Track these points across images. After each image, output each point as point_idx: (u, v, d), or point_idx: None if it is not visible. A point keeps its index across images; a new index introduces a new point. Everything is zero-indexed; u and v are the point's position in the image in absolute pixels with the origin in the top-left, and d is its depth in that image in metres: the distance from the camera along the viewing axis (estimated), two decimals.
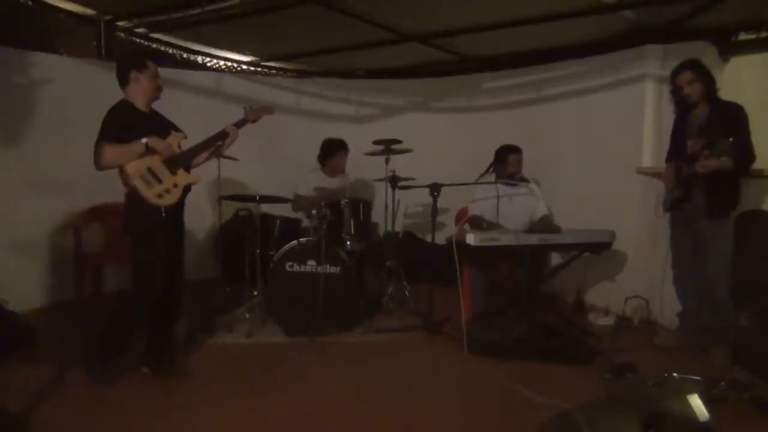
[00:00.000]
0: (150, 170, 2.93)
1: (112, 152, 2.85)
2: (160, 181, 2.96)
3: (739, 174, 3.32)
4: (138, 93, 3.03)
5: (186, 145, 3.20)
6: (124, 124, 2.91)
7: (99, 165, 2.87)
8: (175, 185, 3.02)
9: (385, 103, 6.28)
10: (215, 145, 3.31)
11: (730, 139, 3.07)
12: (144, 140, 2.89)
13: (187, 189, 3.10)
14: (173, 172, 3.02)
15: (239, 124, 3.39)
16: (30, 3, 4.51)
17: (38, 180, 4.46)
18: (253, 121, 3.47)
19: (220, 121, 5.73)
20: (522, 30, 4.51)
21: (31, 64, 4.46)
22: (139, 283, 3.03)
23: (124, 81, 3.02)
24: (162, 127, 3.11)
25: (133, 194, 2.92)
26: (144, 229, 2.98)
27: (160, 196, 2.94)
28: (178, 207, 3.09)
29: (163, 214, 2.95)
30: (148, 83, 3.04)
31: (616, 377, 3.08)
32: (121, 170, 2.91)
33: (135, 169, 2.89)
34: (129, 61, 3.07)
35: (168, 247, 3.04)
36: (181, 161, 3.08)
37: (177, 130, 3.18)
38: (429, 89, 6.15)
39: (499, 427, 2.69)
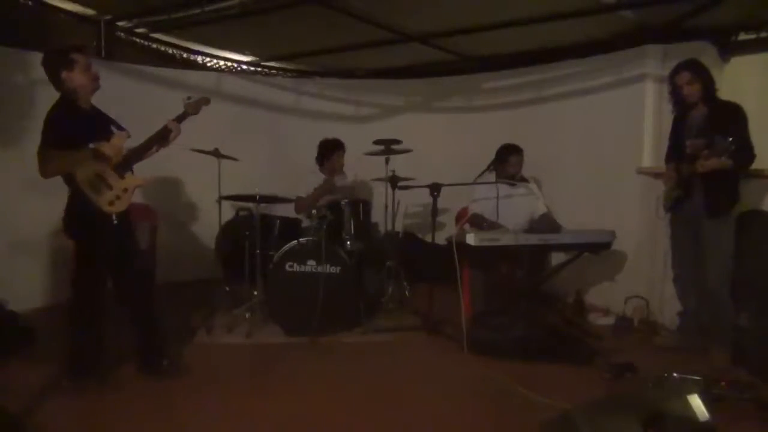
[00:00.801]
0: (99, 176, 2.83)
1: (58, 160, 2.75)
2: (110, 187, 2.86)
3: (739, 173, 3.32)
4: (76, 91, 2.90)
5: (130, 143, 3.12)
6: (68, 126, 2.80)
7: (44, 173, 2.76)
8: (125, 190, 2.93)
9: (385, 103, 6.27)
10: (159, 142, 3.18)
11: (730, 139, 3.07)
12: (92, 145, 2.80)
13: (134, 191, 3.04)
14: (122, 176, 2.94)
15: (181, 119, 3.24)
16: (30, 3, 4.51)
17: (38, 180, 4.42)
18: (194, 114, 3.36)
19: (220, 121, 5.75)
20: (522, 30, 4.52)
21: (31, 64, 4.45)
22: (83, 288, 2.95)
23: (57, 83, 2.88)
24: (105, 125, 3.02)
25: (79, 196, 2.82)
26: (92, 236, 2.89)
27: (111, 203, 2.86)
28: (126, 210, 3.01)
29: (115, 222, 2.90)
30: (82, 78, 2.89)
31: (616, 377, 3.09)
32: (68, 174, 2.82)
33: (84, 176, 2.78)
34: (55, 63, 2.87)
35: (117, 252, 3.00)
36: (129, 164, 3.01)
37: (119, 127, 3.07)
38: (429, 89, 6.15)
39: (499, 427, 2.69)
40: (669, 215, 3.70)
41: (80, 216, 2.87)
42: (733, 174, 3.30)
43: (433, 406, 2.90)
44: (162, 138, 3.16)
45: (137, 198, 5.14)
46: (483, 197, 4.32)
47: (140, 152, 3.09)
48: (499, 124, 5.49)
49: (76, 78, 2.88)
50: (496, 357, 3.43)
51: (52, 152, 2.75)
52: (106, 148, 2.87)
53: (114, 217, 2.88)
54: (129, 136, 3.06)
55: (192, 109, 3.33)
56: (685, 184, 3.46)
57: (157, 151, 3.25)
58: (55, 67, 2.87)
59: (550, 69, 5.18)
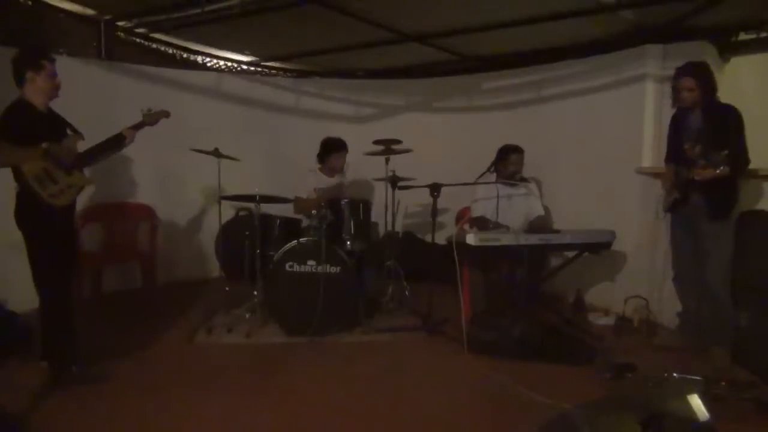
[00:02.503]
0: (45, 171, 2.93)
1: (9, 153, 2.85)
2: (55, 182, 2.96)
3: (736, 178, 3.32)
4: (35, 93, 3.00)
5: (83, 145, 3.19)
6: (23, 124, 2.90)
7: None
8: (70, 186, 3.03)
9: (385, 103, 6.28)
10: (112, 147, 3.27)
11: (726, 153, 3.09)
12: (44, 145, 2.90)
13: (80, 190, 3.13)
14: (69, 174, 3.04)
15: (137, 127, 3.35)
16: (30, 3, 4.52)
17: None
18: (151, 125, 3.43)
19: (220, 121, 5.76)
20: (522, 30, 4.51)
21: None
22: (40, 282, 3.04)
23: (20, 81, 2.99)
24: (59, 127, 3.11)
25: (25, 192, 2.91)
26: (37, 228, 2.99)
27: (53, 196, 2.94)
28: (71, 207, 3.12)
29: (57, 217, 2.98)
30: (44, 83, 3.01)
31: (616, 377, 3.08)
32: (16, 169, 2.91)
33: (31, 169, 2.88)
34: (24, 61, 3.00)
35: (60, 246, 3.06)
36: (79, 165, 3.11)
37: (74, 130, 3.17)
38: (429, 89, 6.15)
39: (499, 427, 2.69)
40: (669, 215, 3.70)
41: (27, 209, 2.96)
42: (732, 179, 3.31)
43: (433, 406, 2.90)
44: (116, 144, 3.26)
45: (138, 198, 5.20)
46: (484, 197, 4.32)
47: (92, 155, 3.19)
48: (499, 124, 5.49)
49: (38, 80, 3.00)
50: (496, 357, 3.44)
51: (4, 146, 2.85)
52: (58, 150, 2.97)
53: (56, 211, 2.97)
54: (83, 139, 3.16)
55: (150, 120, 3.42)
56: (682, 188, 3.47)
57: (108, 156, 3.33)
58: (22, 65, 2.99)
59: (550, 69, 5.18)
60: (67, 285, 3.14)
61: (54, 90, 3.08)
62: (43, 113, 3.05)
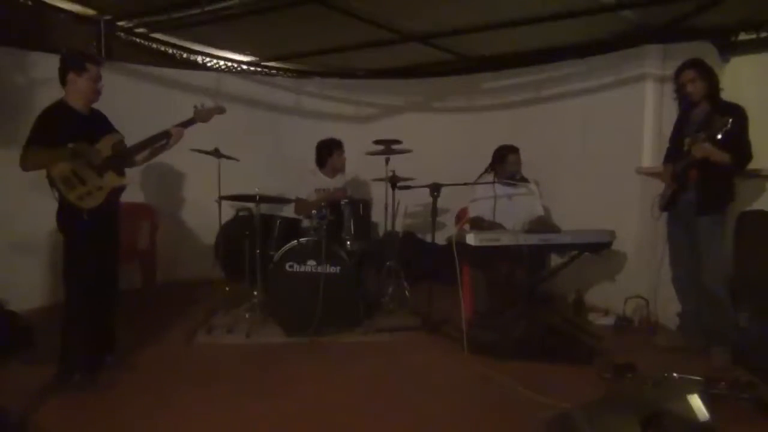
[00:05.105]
0: (74, 172, 2.90)
1: (37, 156, 2.86)
2: (83, 183, 2.92)
3: (734, 171, 3.32)
4: (75, 95, 2.99)
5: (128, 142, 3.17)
6: (57, 127, 2.89)
7: (24, 167, 2.89)
8: (100, 188, 2.97)
9: (385, 103, 6.28)
10: (157, 145, 3.23)
11: (729, 118, 3.07)
12: (70, 145, 2.88)
13: (116, 191, 3.08)
14: (100, 175, 2.99)
15: (186, 124, 3.28)
16: (30, 3, 4.52)
17: (38, 180, 4.43)
18: (203, 122, 3.36)
19: (219, 121, 5.74)
20: (522, 30, 4.52)
21: (31, 64, 4.46)
22: (70, 284, 3.01)
23: (62, 81, 3.00)
24: (99, 128, 3.08)
25: (62, 195, 2.90)
26: (69, 228, 2.97)
27: (80, 198, 2.90)
28: (107, 209, 3.04)
29: (85, 217, 2.93)
30: (86, 86, 3.00)
31: (616, 377, 3.08)
32: (47, 173, 2.90)
33: (59, 171, 2.87)
34: (68, 62, 3.00)
35: (96, 249, 3.01)
36: (114, 165, 3.05)
37: (116, 131, 3.15)
38: (429, 89, 6.16)
39: (499, 427, 2.69)
40: (665, 214, 3.70)
41: (60, 210, 2.95)
42: (728, 173, 3.31)
43: (433, 406, 2.90)
44: (160, 142, 3.19)
45: (138, 198, 5.19)
46: (482, 197, 4.32)
47: (131, 154, 3.14)
48: (499, 124, 5.49)
49: (79, 82, 2.98)
50: (496, 357, 3.43)
51: (35, 148, 2.86)
52: (84, 150, 2.93)
53: (84, 212, 2.93)
54: (121, 139, 3.12)
55: (201, 116, 3.36)
56: (680, 178, 3.46)
57: (150, 158, 3.29)
58: (66, 66, 2.99)
59: (550, 69, 5.19)
60: (93, 289, 3.05)
61: (95, 94, 3.05)
62: (82, 115, 3.02)
